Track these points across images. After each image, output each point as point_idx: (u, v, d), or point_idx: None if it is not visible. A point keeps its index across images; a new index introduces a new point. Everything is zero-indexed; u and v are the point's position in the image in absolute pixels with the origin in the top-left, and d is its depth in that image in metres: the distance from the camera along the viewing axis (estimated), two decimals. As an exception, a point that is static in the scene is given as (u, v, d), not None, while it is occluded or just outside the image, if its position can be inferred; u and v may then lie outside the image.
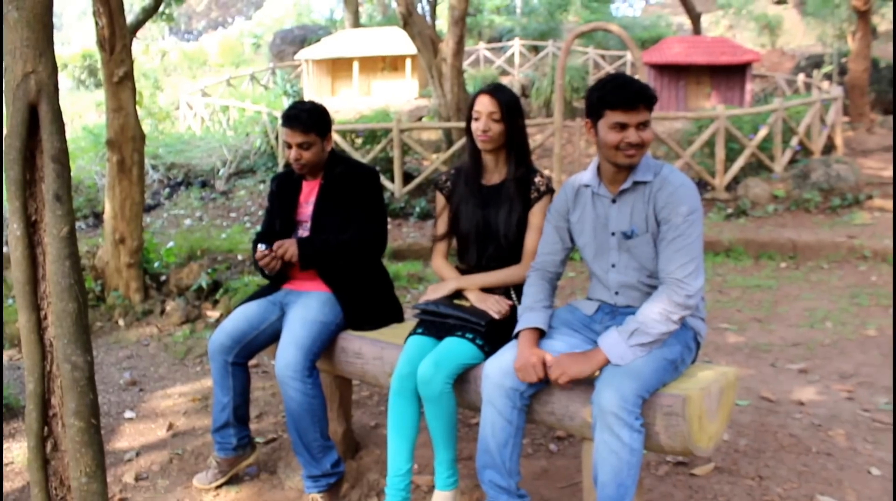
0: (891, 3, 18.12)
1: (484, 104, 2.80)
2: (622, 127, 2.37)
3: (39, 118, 2.05)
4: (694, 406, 2.27)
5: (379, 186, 3.21)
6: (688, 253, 2.36)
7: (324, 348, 3.04)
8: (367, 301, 3.15)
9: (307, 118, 3.03)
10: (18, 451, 3.55)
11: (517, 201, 2.84)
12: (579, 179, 2.62)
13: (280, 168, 11.71)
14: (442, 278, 2.98)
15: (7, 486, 3.25)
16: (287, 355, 2.90)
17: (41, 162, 2.05)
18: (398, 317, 3.26)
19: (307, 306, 3.02)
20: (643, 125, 2.37)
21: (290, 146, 3.08)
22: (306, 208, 3.19)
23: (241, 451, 3.20)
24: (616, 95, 2.35)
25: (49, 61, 2.06)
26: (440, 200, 3.04)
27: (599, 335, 2.47)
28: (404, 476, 2.70)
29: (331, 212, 3.12)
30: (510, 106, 2.81)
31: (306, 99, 21.15)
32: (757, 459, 3.23)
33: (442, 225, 3.03)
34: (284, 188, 3.26)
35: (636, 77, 2.47)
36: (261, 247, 3.03)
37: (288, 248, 3.02)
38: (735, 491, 2.97)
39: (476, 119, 2.82)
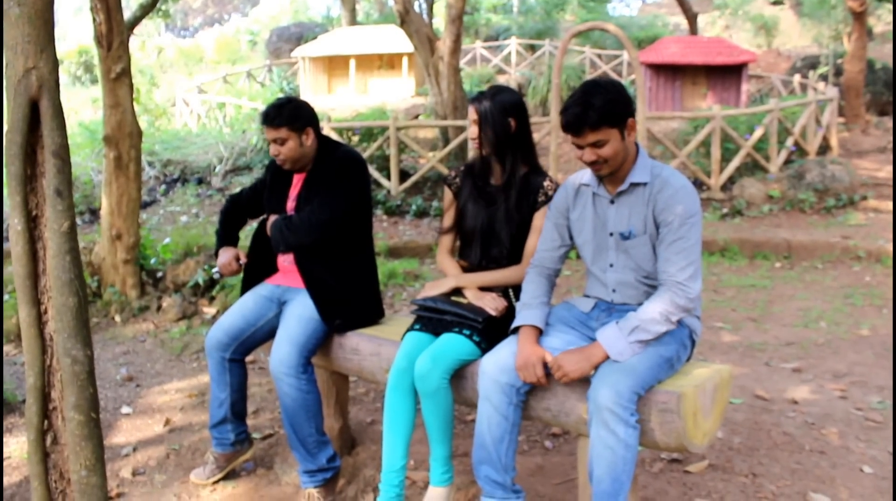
0: (886, 5, 18.19)
1: (470, 112, 2.91)
2: (579, 147, 2.42)
3: (40, 114, 2.06)
4: (689, 403, 2.29)
5: (358, 172, 3.11)
6: (687, 256, 2.39)
7: (319, 345, 3.05)
8: (341, 298, 3.10)
9: (276, 115, 3.02)
10: (16, 446, 3.56)
11: (521, 203, 2.86)
12: (579, 178, 2.64)
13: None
14: (444, 273, 3.00)
15: (5, 480, 3.26)
16: (281, 351, 2.92)
17: (42, 157, 2.06)
18: (375, 318, 3.23)
19: (304, 304, 3.03)
20: (597, 144, 2.38)
21: (269, 143, 3.09)
22: (293, 203, 3.17)
23: (238, 446, 3.22)
24: (563, 123, 2.40)
25: (50, 57, 2.07)
26: (448, 195, 3.08)
27: (595, 331, 2.50)
28: (399, 471, 2.72)
29: (310, 201, 3.09)
30: (492, 111, 2.83)
31: (302, 97, 21.13)
32: (751, 457, 3.26)
33: (448, 220, 3.06)
34: (277, 178, 3.25)
35: (629, 79, 2.49)
36: (214, 272, 3.11)
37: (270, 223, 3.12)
38: (729, 488, 3.00)
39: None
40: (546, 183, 2.87)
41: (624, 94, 2.42)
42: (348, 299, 3.11)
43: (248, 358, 3.32)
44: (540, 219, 2.85)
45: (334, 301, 3.06)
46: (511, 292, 2.87)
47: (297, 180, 3.19)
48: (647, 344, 2.35)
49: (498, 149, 2.86)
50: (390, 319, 3.31)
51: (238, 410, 3.20)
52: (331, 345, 3.14)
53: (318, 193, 3.06)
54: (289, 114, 3.03)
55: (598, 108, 2.34)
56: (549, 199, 2.84)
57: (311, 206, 3.04)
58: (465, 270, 2.98)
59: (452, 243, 3.08)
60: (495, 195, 2.91)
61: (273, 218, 3.10)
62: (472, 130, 2.89)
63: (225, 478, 3.21)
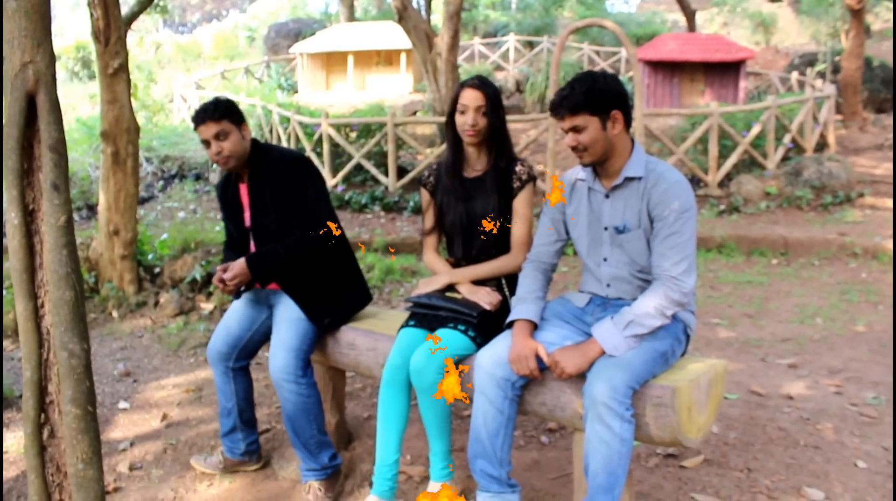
0: (884, 3, 18.20)
1: (472, 98, 2.79)
2: (564, 131, 2.47)
3: (37, 108, 2.06)
4: (683, 398, 2.30)
5: (312, 173, 3.03)
6: (682, 251, 2.40)
7: (314, 344, 3.04)
8: (324, 294, 3.06)
9: (215, 108, 2.94)
10: (13, 440, 3.56)
11: (500, 192, 2.85)
12: (575, 173, 2.66)
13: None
14: (434, 272, 3.00)
15: (3, 475, 3.26)
16: (278, 359, 2.92)
17: (39, 151, 2.07)
18: (363, 303, 3.21)
19: (291, 307, 3.01)
20: (576, 129, 2.43)
21: (208, 144, 2.96)
22: (248, 212, 3.08)
23: (247, 457, 3.23)
24: (549, 106, 2.47)
25: (47, 51, 2.08)
26: (425, 195, 3.06)
27: (590, 326, 2.51)
28: (391, 466, 2.73)
29: (266, 211, 3.00)
30: (496, 98, 2.83)
31: (300, 93, 21.02)
32: (746, 452, 3.27)
33: (429, 220, 3.05)
34: (226, 196, 3.15)
35: (627, 76, 2.52)
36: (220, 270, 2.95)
37: (237, 273, 2.91)
38: (723, 483, 3.01)
39: (462, 113, 2.81)
40: (519, 168, 2.86)
41: (613, 86, 2.44)
42: (332, 294, 3.08)
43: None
44: (521, 204, 2.85)
45: (318, 300, 3.03)
46: (505, 285, 2.88)
47: (244, 190, 3.09)
48: (641, 339, 2.36)
49: (495, 137, 2.86)
50: (387, 314, 3.31)
51: (247, 418, 3.21)
52: (327, 341, 3.15)
53: (277, 202, 2.97)
54: (226, 107, 2.97)
55: (580, 93, 2.39)
56: (524, 183, 2.84)
57: (297, 232, 2.94)
58: (453, 265, 2.98)
59: (437, 242, 3.08)
60: (471, 188, 2.90)
61: (241, 263, 2.93)
62: (473, 117, 2.78)
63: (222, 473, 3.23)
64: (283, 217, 2.97)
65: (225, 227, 3.27)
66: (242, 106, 15.21)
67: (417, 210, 9.79)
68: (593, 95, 2.39)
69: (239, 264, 2.92)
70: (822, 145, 11.31)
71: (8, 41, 2.05)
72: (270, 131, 12.76)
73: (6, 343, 5.06)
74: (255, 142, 3.06)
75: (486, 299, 2.77)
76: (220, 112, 2.93)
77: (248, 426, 3.21)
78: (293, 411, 2.92)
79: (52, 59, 2.09)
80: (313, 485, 2.96)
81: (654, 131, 9.80)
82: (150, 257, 5.94)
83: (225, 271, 2.95)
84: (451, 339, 2.65)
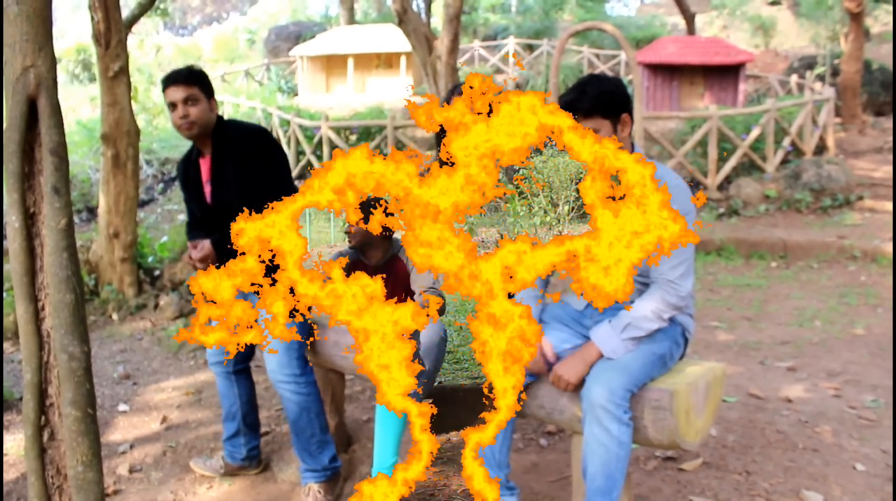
0: (883, 6, 18.22)
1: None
2: None
3: (38, 112, 2.07)
4: (681, 401, 2.31)
5: (271, 145, 2.96)
6: (680, 254, 2.39)
7: (304, 339, 3.02)
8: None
9: (187, 73, 2.87)
10: (13, 443, 3.57)
11: None
12: None
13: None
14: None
15: (3, 477, 3.27)
16: (271, 361, 2.92)
17: (40, 155, 2.07)
18: None
19: None
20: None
21: (174, 108, 2.86)
22: (208, 188, 3.02)
23: (247, 462, 3.24)
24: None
25: (48, 56, 2.08)
26: None
27: (589, 329, 2.51)
28: (389, 469, 2.73)
29: (228, 188, 2.92)
30: None
31: (300, 96, 20.97)
32: (744, 454, 3.27)
33: None
34: (187, 174, 3.07)
35: (627, 79, 2.50)
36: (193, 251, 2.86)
37: (206, 254, 2.84)
38: (722, 486, 3.01)
39: None
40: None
41: (621, 88, 2.43)
42: None
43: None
44: None
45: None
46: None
47: (204, 166, 3.02)
48: (639, 342, 2.37)
49: None
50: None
51: (250, 421, 3.21)
52: (327, 344, 3.15)
53: (238, 177, 2.89)
54: (199, 75, 2.90)
55: (592, 97, 2.36)
56: None
57: (256, 208, 2.84)
58: None
59: None
60: None
61: (208, 245, 2.85)
62: None
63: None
64: (244, 193, 2.86)
65: (187, 207, 3.18)
66: (243, 109, 15.33)
67: (417, 213, 9.80)
68: (605, 98, 2.37)
69: (206, 246, 2.85)
70: (821, 148, 11.32)
71: (9, 45, 2.06)
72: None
73: (6, 346, 5.07)
74: (219, 118, 2.99)
75: (484, 302, 2.77)
76: (192, 77, 2.87)
77: (251, 430, 3.21)
78: (295, 411, 2.92)
79: (53, 63, 2.10)
80: (313, 487, 2.96)
81: (654, 134, 9.81)
82: (149, 259, 5.95)
83: (195, 248, 2.88)
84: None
